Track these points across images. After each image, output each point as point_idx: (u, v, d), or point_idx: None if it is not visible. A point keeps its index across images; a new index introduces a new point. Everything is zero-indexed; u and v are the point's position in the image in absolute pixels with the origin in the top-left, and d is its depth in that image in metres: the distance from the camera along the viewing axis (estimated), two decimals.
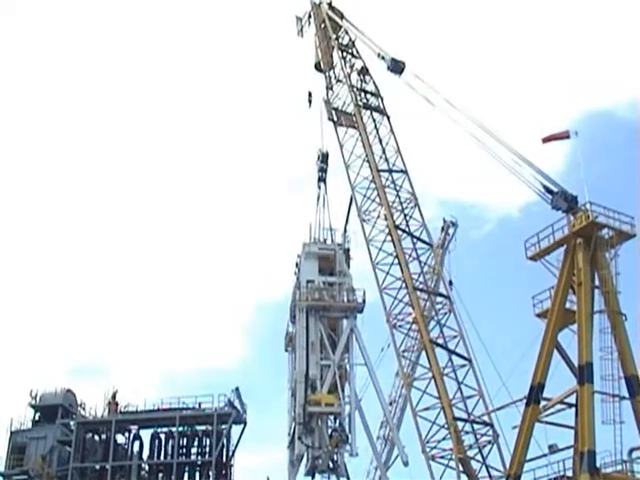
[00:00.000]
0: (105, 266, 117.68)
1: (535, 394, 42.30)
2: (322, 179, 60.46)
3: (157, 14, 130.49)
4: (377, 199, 53.81)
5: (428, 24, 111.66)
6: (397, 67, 54.73)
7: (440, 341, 50.22)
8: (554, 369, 42.95)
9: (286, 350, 58.61)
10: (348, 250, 58.00)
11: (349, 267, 57.39)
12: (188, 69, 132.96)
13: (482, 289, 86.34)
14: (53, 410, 59.41)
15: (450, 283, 54.66)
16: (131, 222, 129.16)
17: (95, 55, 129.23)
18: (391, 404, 63.86)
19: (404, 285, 51.01)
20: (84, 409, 60.17)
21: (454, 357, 49.82)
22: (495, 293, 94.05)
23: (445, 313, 51.42)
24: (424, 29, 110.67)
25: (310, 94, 61.53)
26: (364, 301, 54.90)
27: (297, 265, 58.78)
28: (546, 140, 46.78)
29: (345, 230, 58.87)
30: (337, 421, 52.50)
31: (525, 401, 42.60)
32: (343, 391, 53.09)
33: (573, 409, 41.50)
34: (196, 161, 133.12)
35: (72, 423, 59.02)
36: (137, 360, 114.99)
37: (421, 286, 51.99)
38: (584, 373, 40.81)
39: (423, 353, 50.23)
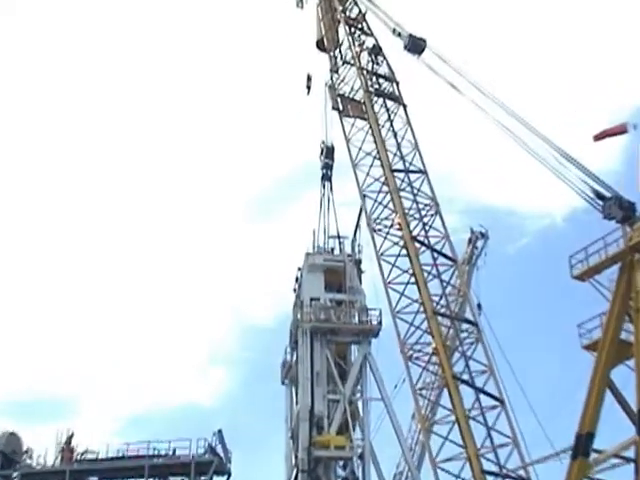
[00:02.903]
0: (66, 292, 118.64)
1: (583, 445, 40.55)
2: (327, 177, 60.49)
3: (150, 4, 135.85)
4: (390, 205, 52.95)
5: None
6: (416, 46, 53.93)
7: (465, 377, 49.49)
8: (606, 414, 41.33)
9: (283, 383, 58.59)
10: (359, 262, 58.00)
11: (361, 282, 57.37)
12: (177, 53, 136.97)
13: (517, 314, 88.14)
14: None
15: (478, 307, 55.28)
16: (98, 250, 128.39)
17: (94, 51, 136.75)
18: None
19: (422, 309, 50.16)
20: (31, 457, 58.34)
21: (482, 397, 49.00)
22: (533, 320, 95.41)
23: (472, 343, 50.60)
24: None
25: (309, 78, 61.42)
26: (380, 323, 55.03)
27: (298, 280, 59.01)
28: (599, 137, 45.21)
29: (355, 238, 58.92)
30: (348, 468, 52.60)
31: (571, 453, 40.96)
32: (354, 432, 53.10)
33: (632, 465, 39.56)
34: (184, 163, 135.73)
35: (15, 474, 57.48)
36: (99, 397, 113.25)
37: (443, 310, 51.22)
38: None
39: (445, 391, 49.55)
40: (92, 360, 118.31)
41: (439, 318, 50.24)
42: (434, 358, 49.64)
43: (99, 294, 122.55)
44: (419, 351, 50.02)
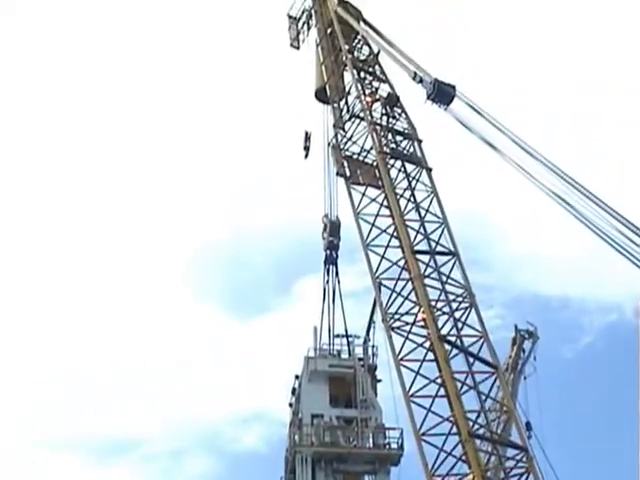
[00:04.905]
0: None
1: None
2: (331, 260, 59.36)
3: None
4: (412, 296, 49.34)
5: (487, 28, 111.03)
6: (443, 94, 51.20)
7: None
8: None
9: None
10: (374, 368, 57.30)
11: (376, 394, 56.51)
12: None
13: (579, 436, 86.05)
14: None
15: (527, 427, 54.73)
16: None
17: (94, 51, 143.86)
18: None
19: (454, 429, 46.16)
20: None
21: None
22: (600, 444, 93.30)
23: (520, 475, 46.35)
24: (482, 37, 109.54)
25: (308, 138, 59.83)
26: (401, 447, 54.08)
27: (295, 392, 58.15)
28: None
29: (368, 337, 58.21)
30: None
31: None
32: None
33: None
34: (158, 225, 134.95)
35: None
36: None
37: (481, 431, 47.37)
38: None
39: None
40: None
41: (477, 441, 46.64)
42: None
43: None
44: None
